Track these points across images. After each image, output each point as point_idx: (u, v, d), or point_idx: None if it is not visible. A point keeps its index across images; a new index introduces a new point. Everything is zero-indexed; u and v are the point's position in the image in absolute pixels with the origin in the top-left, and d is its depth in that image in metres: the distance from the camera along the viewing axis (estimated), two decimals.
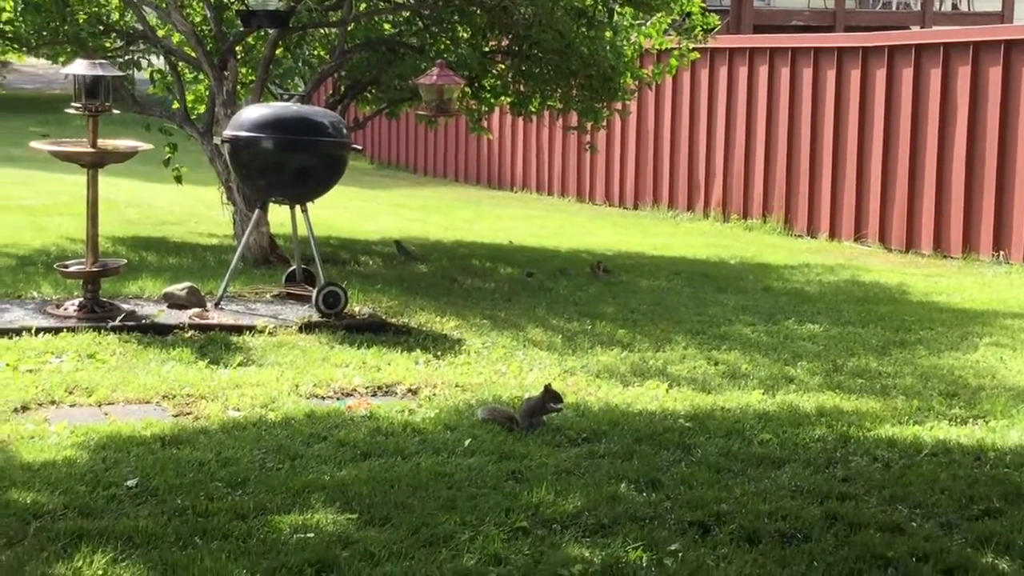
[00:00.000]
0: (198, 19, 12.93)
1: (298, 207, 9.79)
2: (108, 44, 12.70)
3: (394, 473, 5.94)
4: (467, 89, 12.53)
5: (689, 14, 13.48)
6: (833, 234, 16.29)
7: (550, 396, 6.84)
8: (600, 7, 12.03)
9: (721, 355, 8.91)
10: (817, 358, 8.97)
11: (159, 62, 13.54)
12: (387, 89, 13.17)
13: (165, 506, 5.43)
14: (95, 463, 5.95)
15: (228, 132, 9.65)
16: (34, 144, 9.60)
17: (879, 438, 6.87)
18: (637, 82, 13.92)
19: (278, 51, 12.25)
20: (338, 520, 5.35)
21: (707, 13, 13.76)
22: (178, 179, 13.47)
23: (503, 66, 12.93)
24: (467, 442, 6.44)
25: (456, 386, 7.73)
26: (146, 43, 12.65)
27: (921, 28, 27.08)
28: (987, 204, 14.53)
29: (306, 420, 6.79)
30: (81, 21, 12.05)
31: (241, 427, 6.65)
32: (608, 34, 12.34)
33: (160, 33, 12.76)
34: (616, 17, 12.58)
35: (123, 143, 9.61)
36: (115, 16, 13.04)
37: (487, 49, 12.76)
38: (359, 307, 9.72)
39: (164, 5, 11.88)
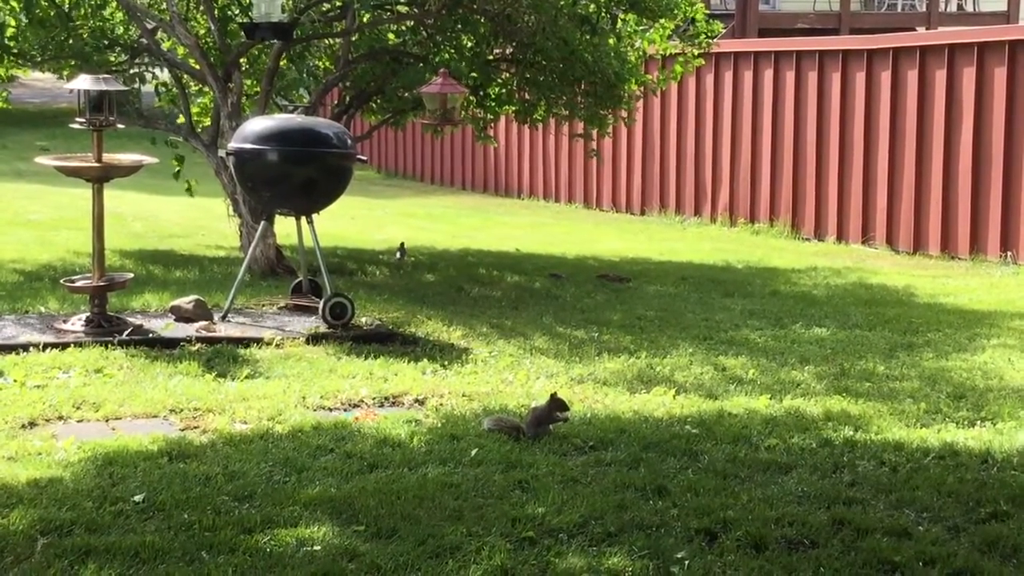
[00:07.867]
0: (202, 31, 12.96)
1: (304, 218, 9.80)
2: (112, 58, 12.73)
3: (401, 484, 5.94)
4: (472, 98, 12.54)
5: (693, 20, 13.48)
6: (840, 237, 16.28)
7: (556, 405, 6.84)
8: (603, 14, 12.04)
9: (728, 360, 8.91)
10: (824, 362, 8.96)
11: (164, 75, 13.56)
12: (391, 99, 13.19)
13: (172, 521, 5.43)
14: (102, 479, 5.96)
15: (233, 144, 9.67)
16: (39, 159, 9.61)
17: (886, 442, 6.86)
18: (642, 88, 13.93)
19: (282, 62, 12.26)
20: (344, 532, 5.35)
21: (711, 20, 13.75)
22: (189, 191, 13.51)
23: (507, 74, 12.94)
24: (473, 452, 6.44)
25: (463, 395, 7.73)
26: (150, 56, 12.66)
27: (927, 29, 27.04)
28: (994, 205, 14.52)
29: (313, 432, 6.79)
30: (85, 36, 12.06)
31: (248, 440, 6.65)
32: (612, 41, 12.36)
33: (165, 46, 12.78)
34: (619, 24, 12.58)
35: (128, 157, 9.63)
36: (119, 30, 13.06)
37: (491, 58, 12.78)
38: (366, 318, 9.73)
39: (168, 18, 11.90)
